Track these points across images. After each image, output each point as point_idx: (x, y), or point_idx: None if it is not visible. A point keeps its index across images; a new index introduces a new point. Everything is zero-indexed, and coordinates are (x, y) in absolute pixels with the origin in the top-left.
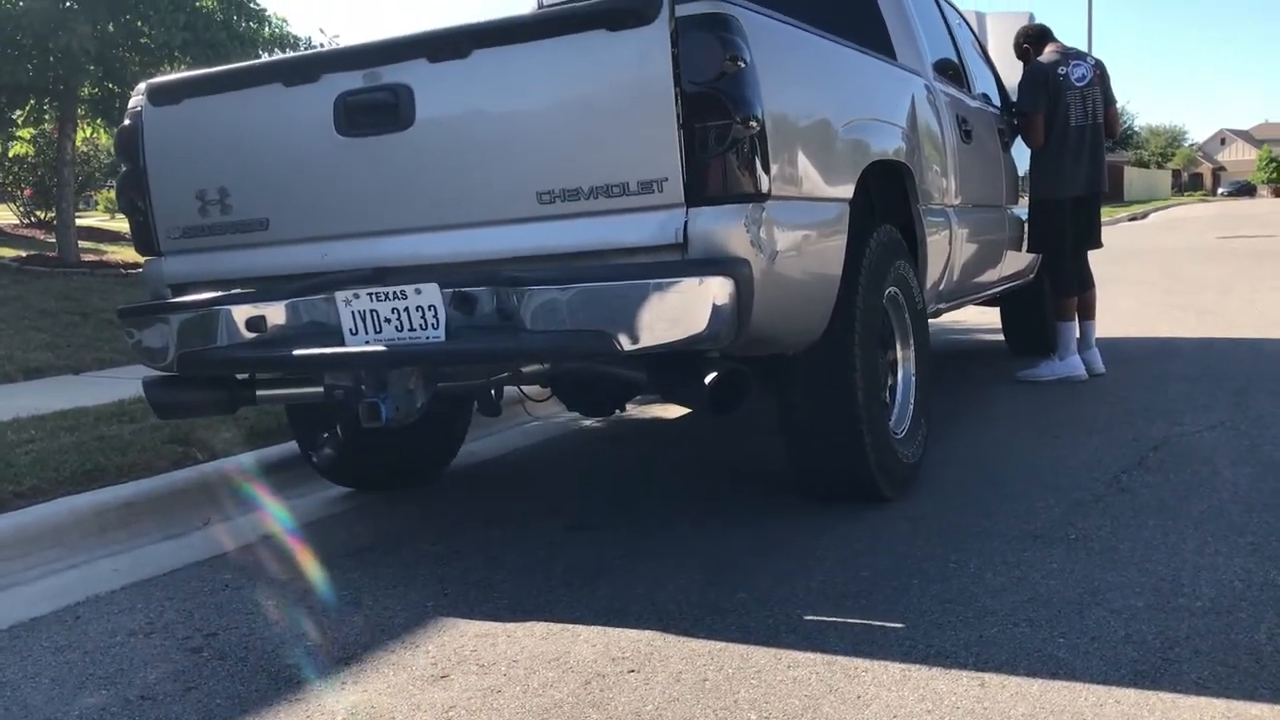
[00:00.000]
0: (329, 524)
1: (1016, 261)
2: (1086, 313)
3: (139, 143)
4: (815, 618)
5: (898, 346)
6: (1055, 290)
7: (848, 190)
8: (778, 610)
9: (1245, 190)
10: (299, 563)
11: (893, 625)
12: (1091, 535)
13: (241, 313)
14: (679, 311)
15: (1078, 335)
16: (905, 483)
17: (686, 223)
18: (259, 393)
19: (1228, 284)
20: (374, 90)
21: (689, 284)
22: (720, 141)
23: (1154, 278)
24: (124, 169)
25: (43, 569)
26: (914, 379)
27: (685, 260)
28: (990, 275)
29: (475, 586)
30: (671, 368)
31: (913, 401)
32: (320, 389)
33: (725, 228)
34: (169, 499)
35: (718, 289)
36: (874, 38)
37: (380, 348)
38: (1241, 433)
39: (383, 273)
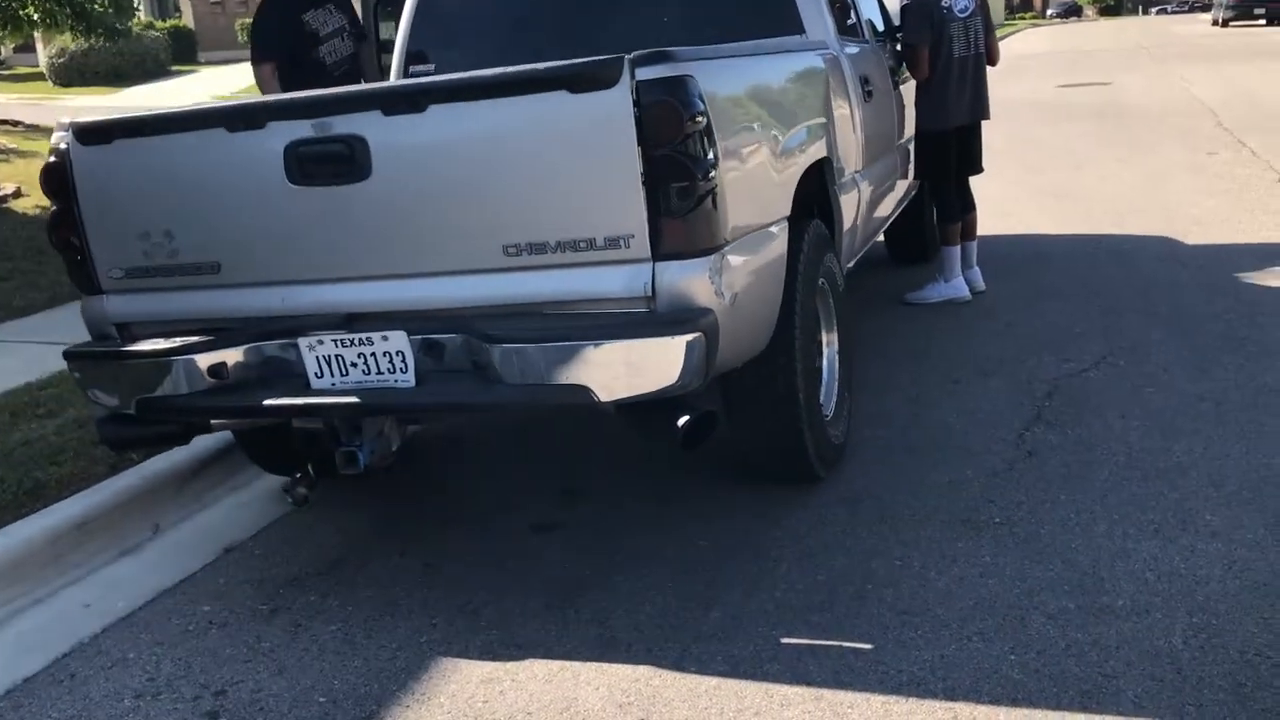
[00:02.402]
0: (288, 530)
1: (903, 187)
2: (969, 234)
3: (69, 181)
4: (791, 641)
5: (823, 331)
6: (941, 216)
7: (787, 206)
8: (754, 631)
9: (1073, 11)
10: (273, 585)
11: (863, 648)
12: (1014, 517)
13: (203, 360)
14: (653, 365)
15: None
16: (835, 461)
17: (654, 276)
18: (213, 421)
19: (1078, 155)
20: (326, 141)
21: (662, 341)
22: (683, 198)
23: (1006, 146)
24: (55, 207)
25: (6, 608)
26: (838, 358)
27: (657, 317)
28: (886, 211)
29: (460, 613)
30: (644, 411)
31: (837, 380)
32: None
33: (691, 280)
34: (117, 511)
35: (688, 343)
36: None
37: (354, 399)
38: (1121, 370)
39: (353, 319)
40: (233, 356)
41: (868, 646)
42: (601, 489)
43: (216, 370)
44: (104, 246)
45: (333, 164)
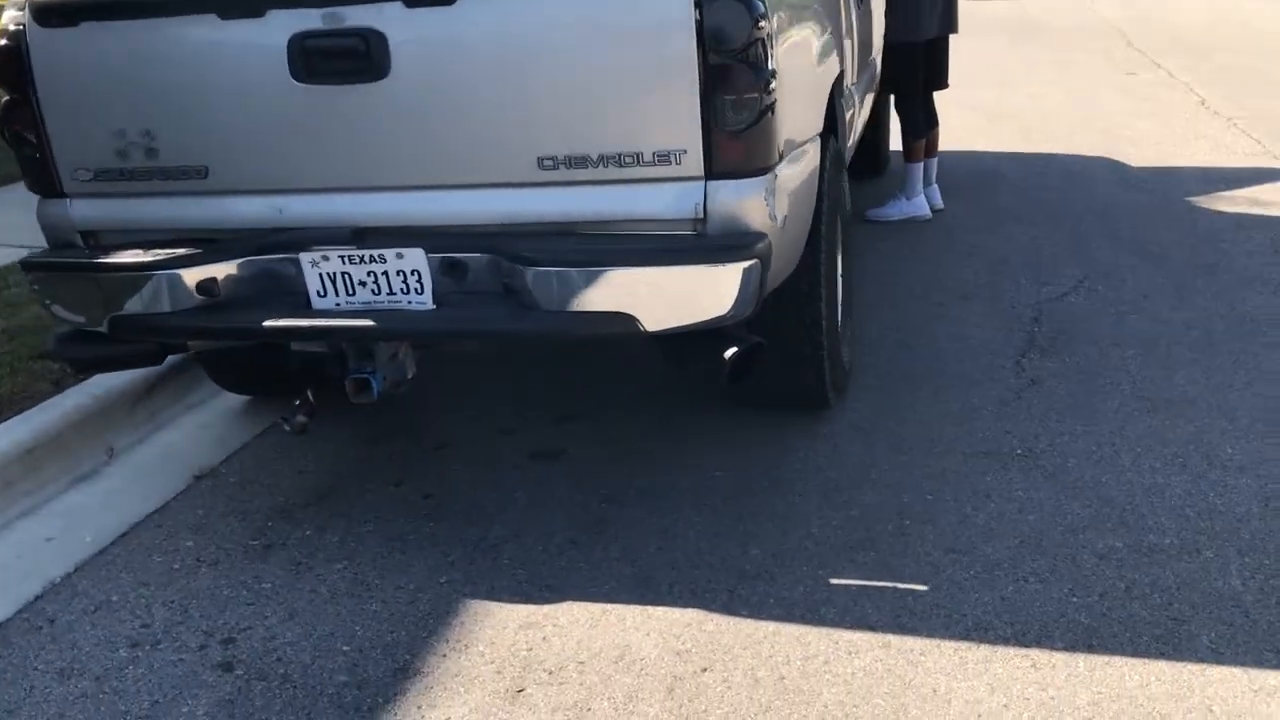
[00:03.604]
0: (261, 454)
1: (870, 100)
2: (930, 150)
3: (26, 67)
4: (842, 582)
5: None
6: (906, 131)
7: (820, 121)
8: (800, 571)
9: None
10: (260, 517)
11: (918, 589)
12: (1035, 449)
13: (190, 275)
14: (705, 294)
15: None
16: (845, 387)
17: (706, 197)
18: (191, 342)
19: (1001, 72)
20: (338, 34)
21: (717, 268)
22: (740, 111)
23: None
24: (7, 96)
25: None
26: (841, 280)
27: (708, 241)
28: (860, 127)
29: (477, 550)
30: (684, 341)
31: (840, 304)
32: None
33: (746, 201)
34: (68, 431)
35: (744, 270)
36: None
37: (367, 322)
38: (1101, 296)
39: (361, 233)
40: (224, 271)
41: (923, 588)
42: (595, 412)
43: (206, 287)
44: (68, 145)
45: (345, 60)
